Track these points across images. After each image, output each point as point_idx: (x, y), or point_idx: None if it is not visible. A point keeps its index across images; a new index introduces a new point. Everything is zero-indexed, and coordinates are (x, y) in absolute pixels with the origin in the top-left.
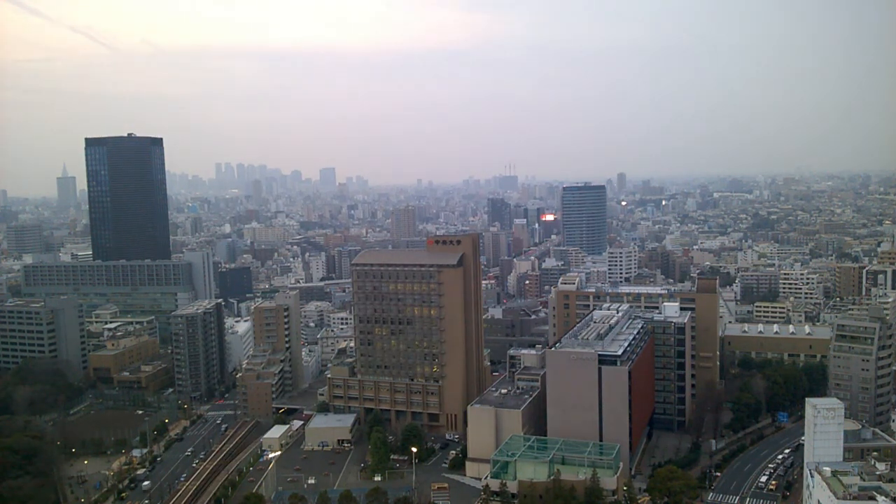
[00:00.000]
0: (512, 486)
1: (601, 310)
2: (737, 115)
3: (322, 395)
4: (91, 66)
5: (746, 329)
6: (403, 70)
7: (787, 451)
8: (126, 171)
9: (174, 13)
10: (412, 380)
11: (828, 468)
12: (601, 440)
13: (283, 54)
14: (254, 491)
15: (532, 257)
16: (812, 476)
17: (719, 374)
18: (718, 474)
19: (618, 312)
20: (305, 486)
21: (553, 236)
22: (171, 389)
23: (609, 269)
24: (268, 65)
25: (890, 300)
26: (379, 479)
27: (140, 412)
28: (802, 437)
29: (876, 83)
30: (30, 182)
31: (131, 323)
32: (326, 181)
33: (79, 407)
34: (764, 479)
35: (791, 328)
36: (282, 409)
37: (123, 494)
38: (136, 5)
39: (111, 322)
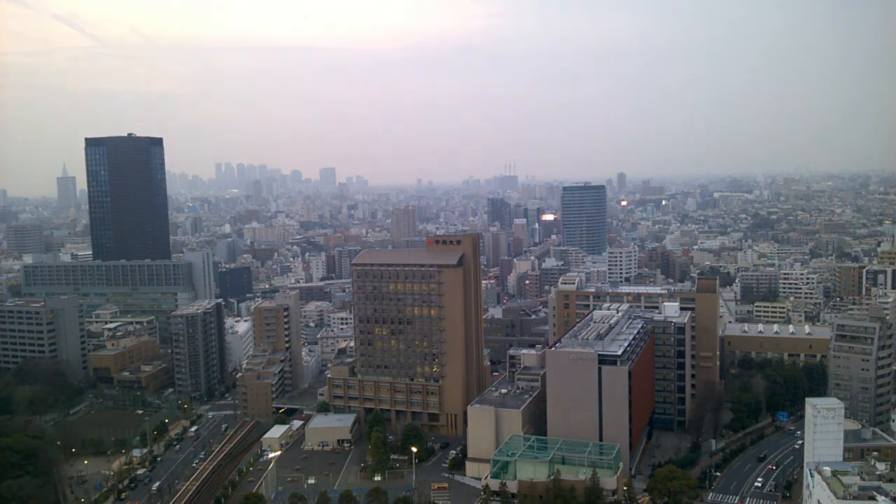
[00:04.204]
0: (512, 486)
1: (601, 310)
2: (737, 115)
3: (322, 395)
4: (81, 60)
5: (746, 329)
6: (402, 69)
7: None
8: (126, 171)
9: (163, 1)
10: (412, 380)
11: (828, 468)
12: (601, 440)
13: (281, 50)
14: (254, 491)
15: (532, 257)
16: (812, 476)
17: (719, 373)
18: (718, 474)
19: (618, 312)
20: (305, 486)
21: (553, 236)
22: (171, 389)
23: (609, 269)
24: (266, 61)
25: (890, 300)
26: (379, 478)
27: (140, 412)
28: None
29: (876, 83)
30: (30, 182)
31: (131, 323)
32: (326, 181)
33: (79, 407)
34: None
35: (791, 328)
36: (282, 409)
37: (123, 494)
38: None
39: (111, 322)
